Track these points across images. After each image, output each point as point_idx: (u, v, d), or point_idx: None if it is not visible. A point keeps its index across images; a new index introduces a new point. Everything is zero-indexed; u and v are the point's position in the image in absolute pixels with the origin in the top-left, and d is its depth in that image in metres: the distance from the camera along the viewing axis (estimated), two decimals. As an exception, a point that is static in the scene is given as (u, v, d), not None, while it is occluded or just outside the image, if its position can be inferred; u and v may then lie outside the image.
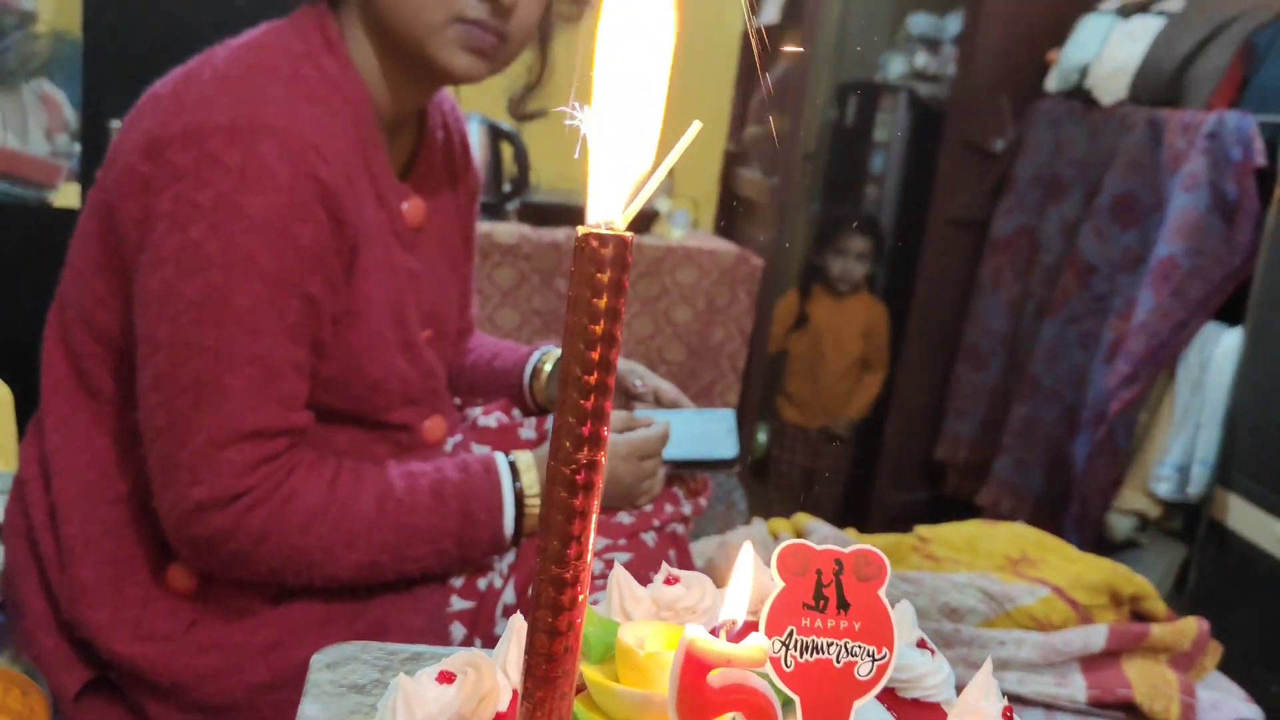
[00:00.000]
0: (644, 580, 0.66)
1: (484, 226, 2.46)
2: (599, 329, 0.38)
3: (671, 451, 1.24)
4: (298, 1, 1.13)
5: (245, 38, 1.09)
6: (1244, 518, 2.24)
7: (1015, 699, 1.39)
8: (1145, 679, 1.41)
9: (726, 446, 1.29)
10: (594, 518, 0.40)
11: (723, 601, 0.59)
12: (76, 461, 1.11)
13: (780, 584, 0.51)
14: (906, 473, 3.33)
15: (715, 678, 0.43)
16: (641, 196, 0.38)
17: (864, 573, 0.51)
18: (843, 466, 3.46)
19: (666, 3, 0.38)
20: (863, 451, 3.44)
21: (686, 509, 1.26)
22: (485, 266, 2.52)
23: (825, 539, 1.59)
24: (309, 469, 1.04)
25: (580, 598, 0.40)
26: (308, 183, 1.00)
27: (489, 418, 1.30)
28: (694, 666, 0.42)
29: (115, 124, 2.04)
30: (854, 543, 0.53)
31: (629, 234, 0.38)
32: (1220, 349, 2.35)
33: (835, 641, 0.50)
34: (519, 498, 1.12)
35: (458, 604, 1.13)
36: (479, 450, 1.22)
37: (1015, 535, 1.73)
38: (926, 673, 0.57)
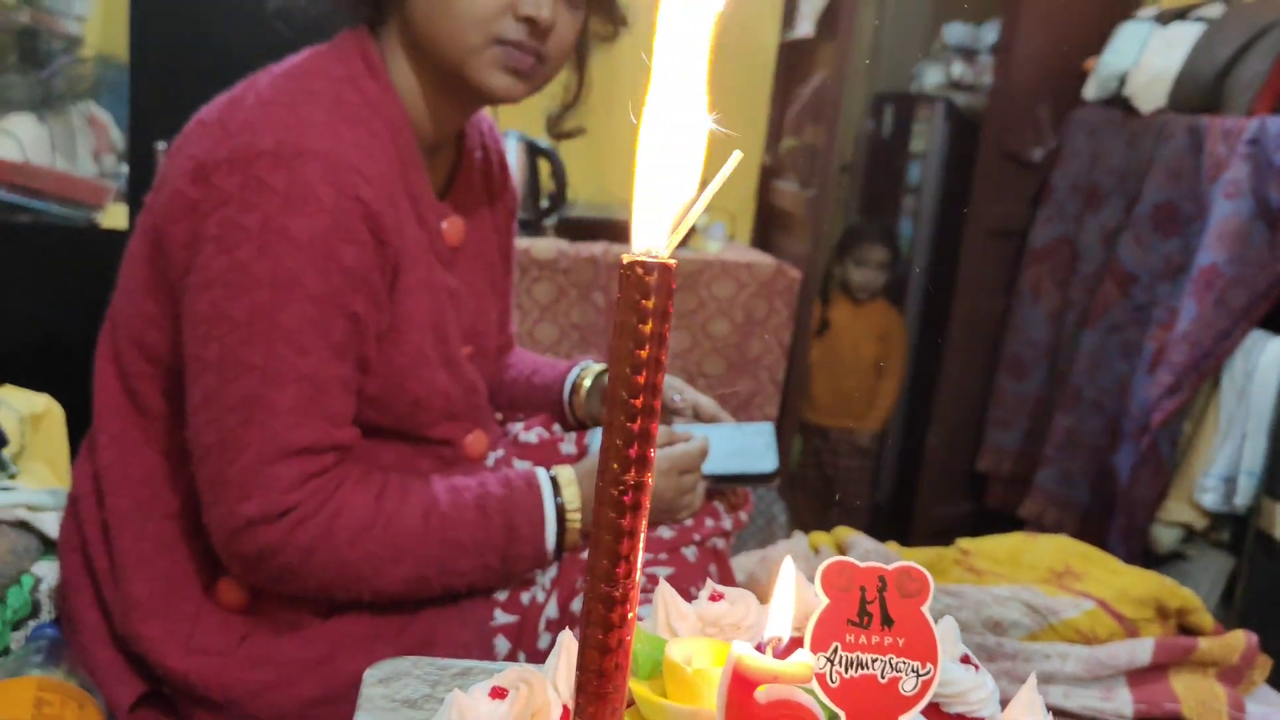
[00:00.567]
0: (685, 595, 0.66)
1: (522, 242, 2.48)
2: (644, 354, 0.39)
3: (711, 466, 1.24)
4: (340, 26, 1.15)
5: (288, 63, 1.11)
6: (1293, 529, 2.21)
7: (1060, 713, 1.38)
8: (1193, 694, 1.39)
9: (766, 460, 1.29)
10: (642, 537, 0.40)
11: (767, 617, 0.60)
12: (128, 478, 1.13)
13: (825, 600, 0.51)
14: (948, 485, 3.30)
15: (762, 694, 0.43)
16: (685, 225, 0.39)
17: (907, 589, 0.51)
18: (871, 477, 3.46)
19: (707, 28, 0.38)
20: (904, 464, 3.42)
21: (727, 523, 1.26)
22: (524, 282, 2.54)
23: (867, 553, 1.59)
24: (356, 484, 1.06)
25: (630, 615, 0.41)
26: (351, 204, 1.02)
27: (530, 433, 1.31)
28: (741, 683, 0.43)
29: (161, 145, 2.08)
30: (896, 557, 0.53)
31: (672, 261, 0.39)
32: (1265, 357, 2.32)
33: (880, 657, 0.50)
34: (560, 512, 1.13)
35: (501, 618, 1.14)
36: (520, 465, 1.23)
37: (1058, 548, 1.72)
38: (971, 688, 0.57)
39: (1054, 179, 3.02)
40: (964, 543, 1.77)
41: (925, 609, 0.51)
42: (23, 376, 1.84)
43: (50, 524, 1.32)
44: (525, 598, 1.15)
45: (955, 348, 3.23)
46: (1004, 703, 0.58)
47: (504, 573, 1.13)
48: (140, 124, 2.15)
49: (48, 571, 1.29)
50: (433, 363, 1.16)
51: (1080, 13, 3.03)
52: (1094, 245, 2.87)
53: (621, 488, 0.39)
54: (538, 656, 1.14)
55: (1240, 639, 1.50)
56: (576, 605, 1.14)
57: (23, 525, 1.32)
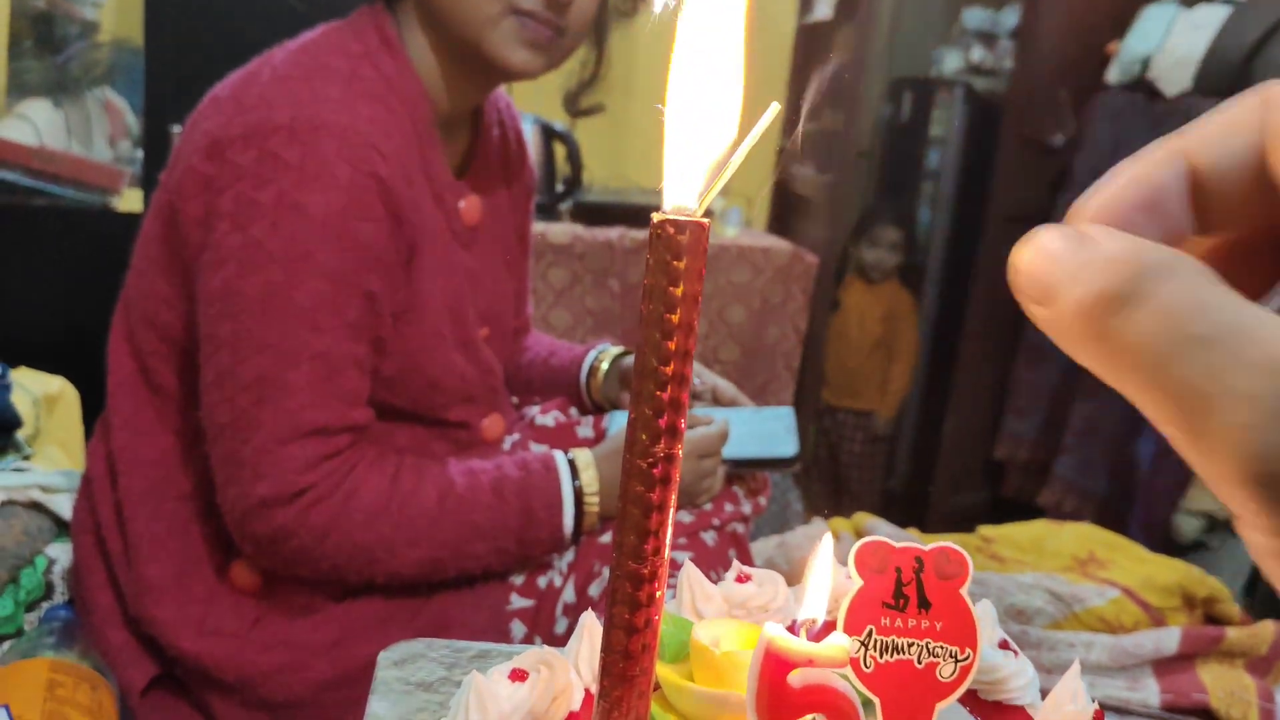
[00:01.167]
0: (707, 580, 0.65)
1: (538, 227, 2.46)
2: (676, 318, 0.37)
3: (731, 450, 1.22)
4: (356, 2, 1.13)
5: (304, 39, 1.09)
6: (1319, 518, 2.17)
7: (1085, 703, 1.35)
8: (1221, 684, 1.37)
9: (786, 445, 1.27)
10: (671, 512, 0.38)
11: (795, 600, 0.58)
12: (142, 459, 1.12)
13: (859, 582, 0.49)
14: (966, 473, 3.27)
15: (796, 677, 0.41)
16: (719, 182, 0.37)
17: (945, 571, 0.49)
18: (886, 464, 3.45)
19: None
20: (920, 451, 3.39)
21: (746, 508, 1.25)
22: (539, 267, 2.52)
23: (889, 538, 1.57)
24: (371, 465, 1.04)
25: (658, 594, 0.38)
26: (367, 180, 1.00)
27: (546, 416, 1.30)
28: (774, 666, 0.41)
29: (176, 129, 2.06)
30: (919, 542, 0.51)
31: (706, 219, 0.37)
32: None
33: (916, 642, 0.48)
34: (578, 496, 1.11)
35: (518, 602, 1.13)
36: (537, 449, 1.22)
37: (1082, 535, 1.69)
38: (1011, 674, 0.55)
39: (1075, 164, 2.98)
40: (986, 530, 1.75)
41: (964, 592, 0.49)
42: (38, 359, 1.84)
43: (64, 506, 1.32)
44: (542, 581, 1.14)
45: (973, 335, 3.20)
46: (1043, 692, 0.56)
47: (520, 556, 1.11)
48: (155, 109, 2.14)
49: (61, 553, 1.28)
50: (449, 344, 1.14)
51: (1102, -4, 2.99)
52: (1116, 231, 2.83)
53: (651, 459, 0.37)
54: (554, 641, 1.12)
55: (1270, 629, 1.48)
56: (594, 590, 1.12)
57: (36, 507, 1.31)
